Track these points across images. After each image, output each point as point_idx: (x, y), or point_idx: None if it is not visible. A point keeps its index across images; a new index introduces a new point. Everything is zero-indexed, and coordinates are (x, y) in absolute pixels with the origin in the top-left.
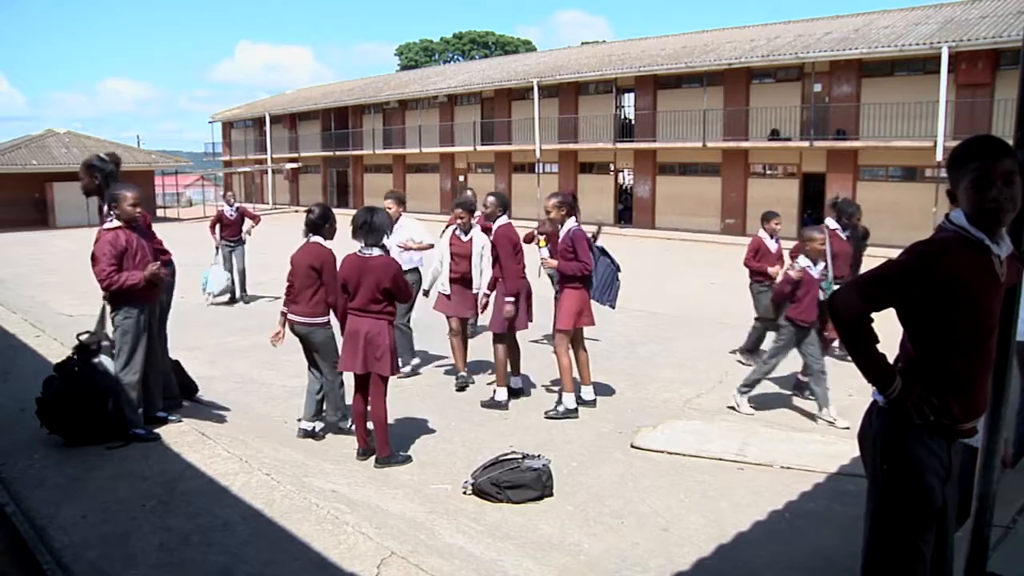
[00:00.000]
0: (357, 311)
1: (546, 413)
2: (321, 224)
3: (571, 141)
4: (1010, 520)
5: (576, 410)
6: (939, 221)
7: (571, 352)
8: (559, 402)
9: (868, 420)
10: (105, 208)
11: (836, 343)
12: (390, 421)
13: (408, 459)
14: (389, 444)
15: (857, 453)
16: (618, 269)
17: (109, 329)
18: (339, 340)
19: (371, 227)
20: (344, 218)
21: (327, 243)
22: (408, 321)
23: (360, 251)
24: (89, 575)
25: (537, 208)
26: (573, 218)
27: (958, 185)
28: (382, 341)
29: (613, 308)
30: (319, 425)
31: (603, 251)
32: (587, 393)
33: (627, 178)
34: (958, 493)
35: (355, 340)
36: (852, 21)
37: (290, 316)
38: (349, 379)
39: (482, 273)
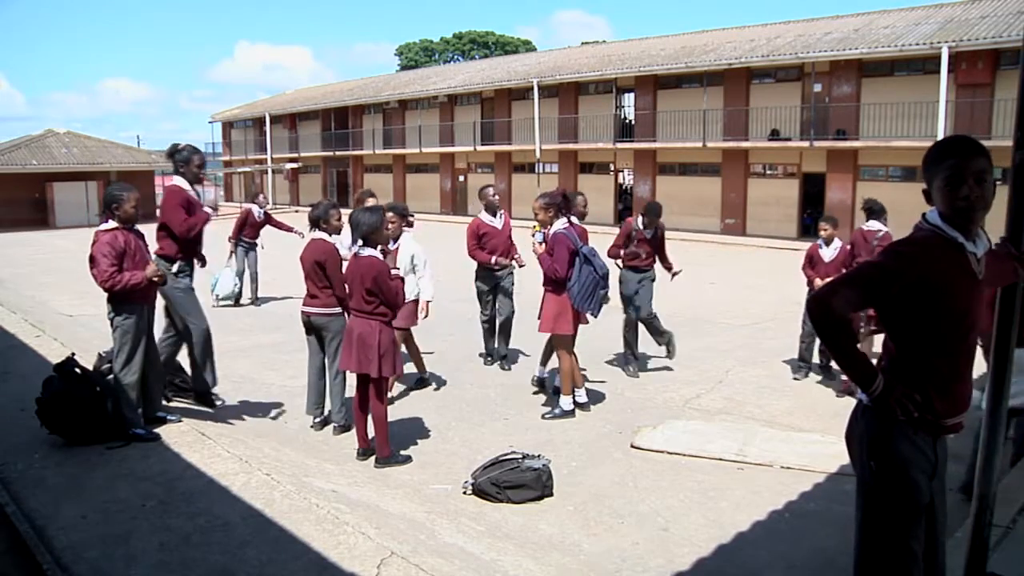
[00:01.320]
0: (353, 310)
1: (543, 415)
2: (317, 220)
3: (571, 141)
4: (1010, 520)
5: (573, 412)
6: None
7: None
8: (556, 404)
9: (855, 419)
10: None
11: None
12: (389, 420)
13: (408, 459)
14: (389, 444)
15: None
16: (603, 278)
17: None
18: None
19: (352, 224)
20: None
21: (331, 238)
22: None
23: (357, 251)
24: (89, 575)
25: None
26: (564, 219)
27: (932, 184)
28: (372, 342)
29: (595, 316)
30: (331, 414)
31: (588, 259)
32: (580, 395)
33: (627, 178)
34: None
35: (349, 339)
36: (852, 21)
37: (306, 309)
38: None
39: (420, 280)
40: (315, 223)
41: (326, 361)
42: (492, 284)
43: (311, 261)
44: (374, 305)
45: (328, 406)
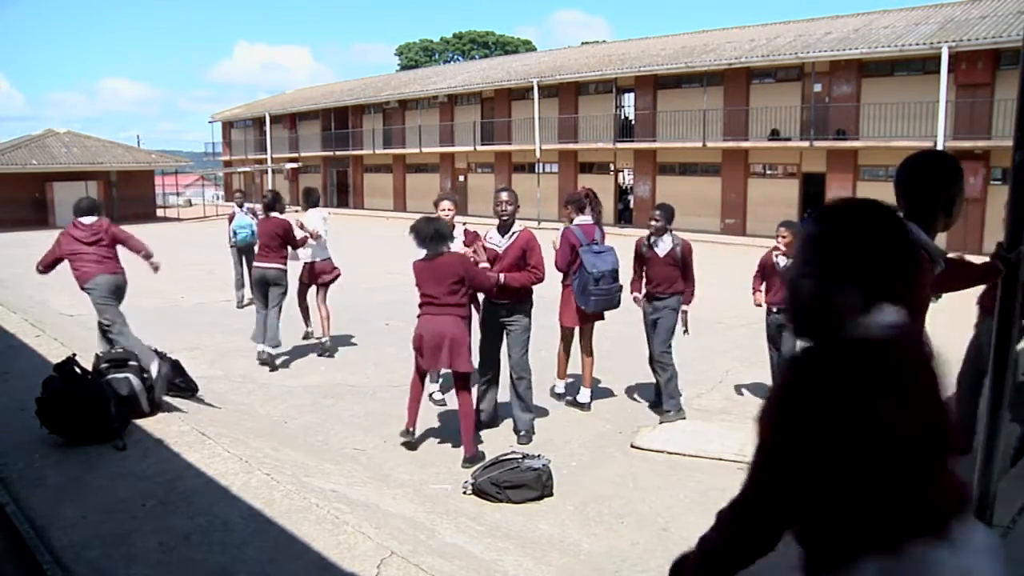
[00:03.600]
0: (432, 307)
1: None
2: (273, 206)
3: (571, 141)
4: (1010, 520)
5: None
6: None
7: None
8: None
9: None
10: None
11: None
12: (389, 419)
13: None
14: (474, 443)
15: None
16: (596, 279)
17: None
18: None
19: (438, 234)
20: (349, 217)
21: (281, 216)
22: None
23: (425, 257)
24: (89, 575)
25: (537, 208)
26: (581, 216)
27: (940, 196)
28: (464, 340)
29: (588, 311)
30: (269, 350)
31: (581, 257)
32: (583, 395)
33: (627, 178)
34: None
35: (435, 338)
36: (852, 21)
37: (265, 265)
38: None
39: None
40: (271, 208)
41: (270, 306)
42: (495, 327)
43: (273, 231)
44: (459, 296)
45: (268, 336)
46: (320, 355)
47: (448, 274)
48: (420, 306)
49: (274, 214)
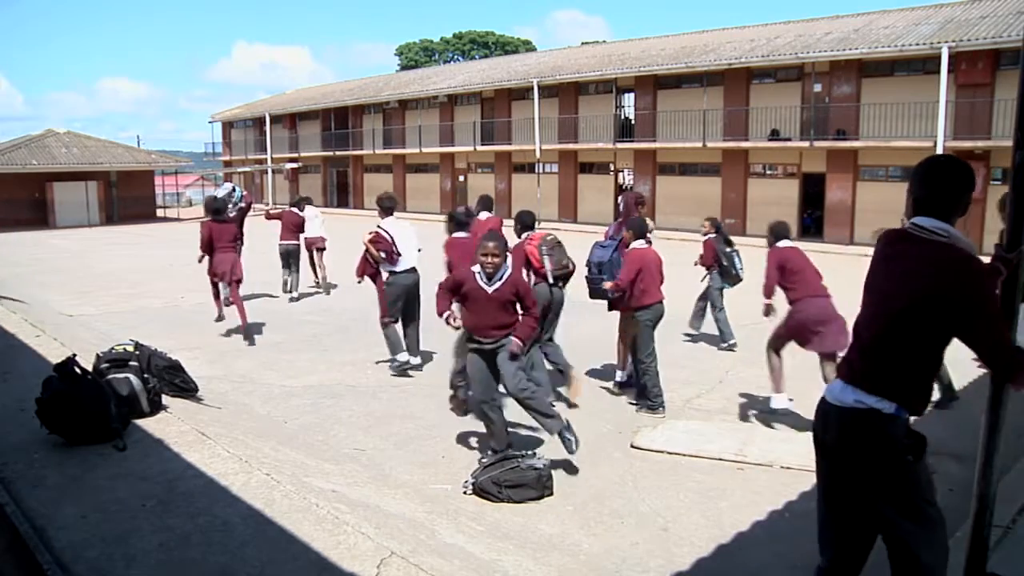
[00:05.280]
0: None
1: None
2: (223, 208)
3: (571, 141)
4: (1010, 520)
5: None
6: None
7: None
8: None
9: (873, 433)
10: None
11: None
12: (392, 421)
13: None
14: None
15: None
16: (587, 267)
17: None
18: None
19: (217, 209)
20: (349, 217)
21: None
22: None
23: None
24: (89, 575)
25: (537, 208)
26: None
27: (965, 200)
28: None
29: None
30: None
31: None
32: (618, 376)
33: (627, 178)
34: None
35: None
36: (852, 21)
37: (285, 243)
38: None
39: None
40: (295, 205)
41: (292, 269)
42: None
43: (290, 219)
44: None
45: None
46: (321, 294)
47: (231, 229)
48: (216, 251)
49: (293, 209)
